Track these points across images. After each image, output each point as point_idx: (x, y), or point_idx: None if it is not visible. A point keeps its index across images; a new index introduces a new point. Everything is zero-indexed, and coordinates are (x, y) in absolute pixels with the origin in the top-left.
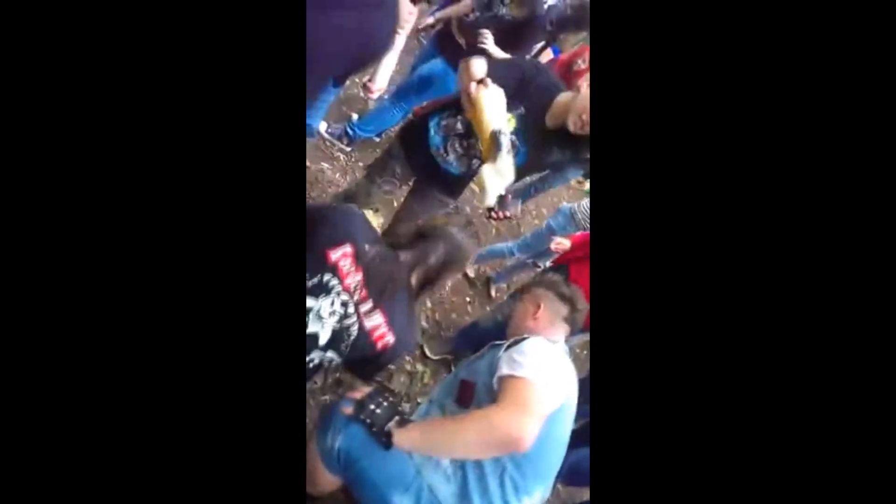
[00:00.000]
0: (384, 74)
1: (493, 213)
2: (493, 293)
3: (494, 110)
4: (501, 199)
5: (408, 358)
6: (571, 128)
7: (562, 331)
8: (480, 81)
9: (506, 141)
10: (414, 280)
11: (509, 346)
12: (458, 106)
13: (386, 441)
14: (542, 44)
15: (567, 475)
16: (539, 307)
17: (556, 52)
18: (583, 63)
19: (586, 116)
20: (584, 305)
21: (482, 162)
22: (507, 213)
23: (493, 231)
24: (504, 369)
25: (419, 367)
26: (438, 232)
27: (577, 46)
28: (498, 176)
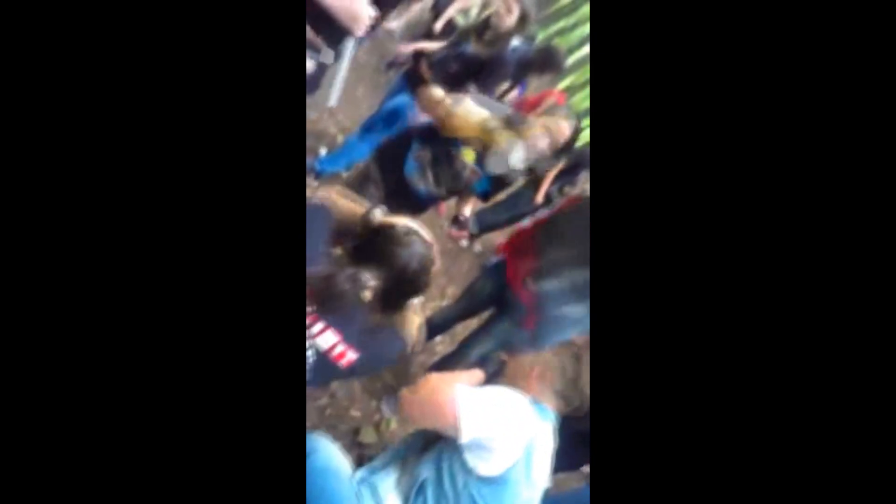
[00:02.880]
0: (337, 88)
1: (452, 229)
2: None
3: (470, 111)
4: (457, 219)
5: (373, 403)
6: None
7: (554, 402)
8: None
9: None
10: (369, 294)
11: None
12: (430, 136)
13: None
14: (508, 83)
15: None
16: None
17: (521, 90)
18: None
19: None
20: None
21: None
22: (464, 233)
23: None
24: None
25: (384, 412)
26: (396, 245)
27: (542, 90)
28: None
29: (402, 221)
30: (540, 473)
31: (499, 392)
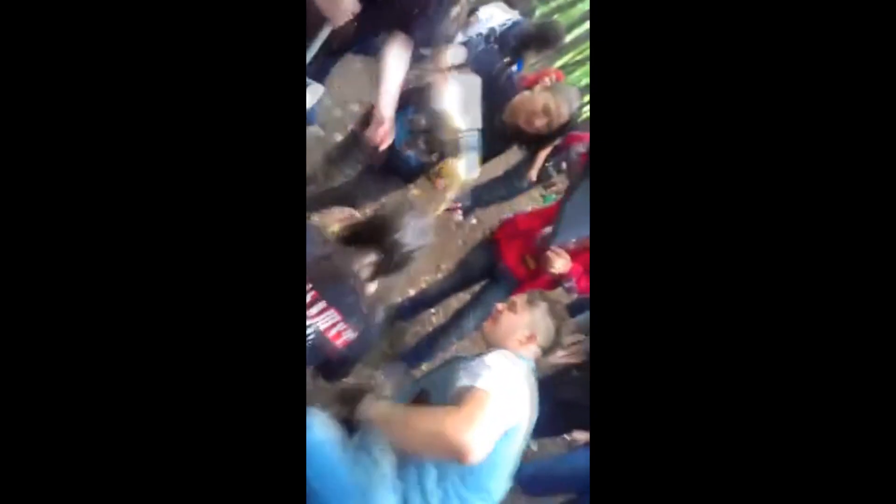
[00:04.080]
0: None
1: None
2: None
3: (462, 103)
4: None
5: (367, 373)
6: (524, 126)
7: (533, 352)
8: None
9: (470, 140)
10: (365, 273)
11: (473, 359)
12: (423, 101)
13: (352, 406)
14: (507, 59)
15: (528, 484)
16: (526, 310)
17: (519, 67)
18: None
19: (538, 118)
20: (567, 337)
21: (444, 156)
22: (459, 205)
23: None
24: (464, 379)
25: (379, 378)
26: (390, 224)
27: (539, 66)
28: (464, 169)
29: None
30: (514, 450)
31: (503, 357)
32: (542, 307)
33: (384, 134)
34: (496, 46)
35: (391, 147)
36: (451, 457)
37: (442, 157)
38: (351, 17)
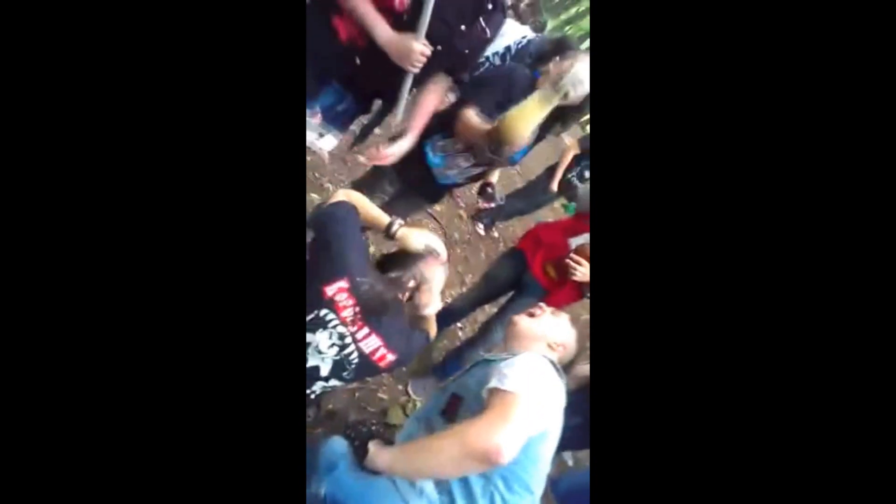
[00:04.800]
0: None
1: (480, 204)
2: None
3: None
4: (484, 189)
5: (399, 387)
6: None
7: (557, 353)
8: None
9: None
10: (404, 297)
11: (501, 361)
12: (445, 127)
13: (361, 454)
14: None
15: (562, 497)
16: (556, 317)
17: (536, 76)
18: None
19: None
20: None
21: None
22: (491, 204)
23: (482, 253)
24: (492, 382)
25: (411, 394)
26: (413, 253)
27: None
28: (531, 115)
29: (416, 235)
30: (551, 449)
31: (532, 359)
32: (567, 318)
33: (398, 150)
34: (512, 63)
35: (418, 173)
36: (483, 463)
37: (490, 165)
38: (424, 61)
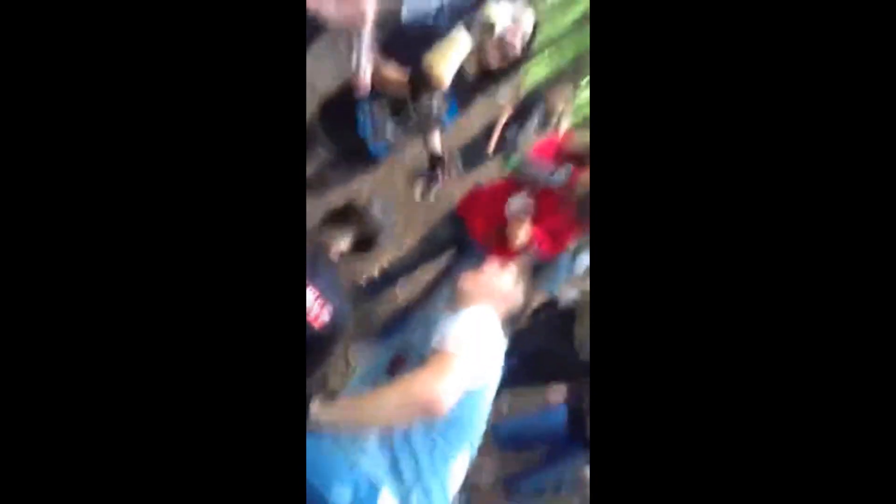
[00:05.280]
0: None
1: (435, 181)
2: None
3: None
4: (440, 161)
5: (338, 351)
6: (494, 63)
7: (504, 306)
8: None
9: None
10: (336, 257)
11: (444, 318)
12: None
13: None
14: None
15: (503, 442)
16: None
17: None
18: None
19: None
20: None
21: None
22: (451, 173)
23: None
24: (433, 341)
25: (350, 360)
26: (359, 211)
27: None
28: (451, 52)
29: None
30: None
31: (475, 315)
32: (514, 272)
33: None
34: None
35: (358, 138)
36: (422, 412)
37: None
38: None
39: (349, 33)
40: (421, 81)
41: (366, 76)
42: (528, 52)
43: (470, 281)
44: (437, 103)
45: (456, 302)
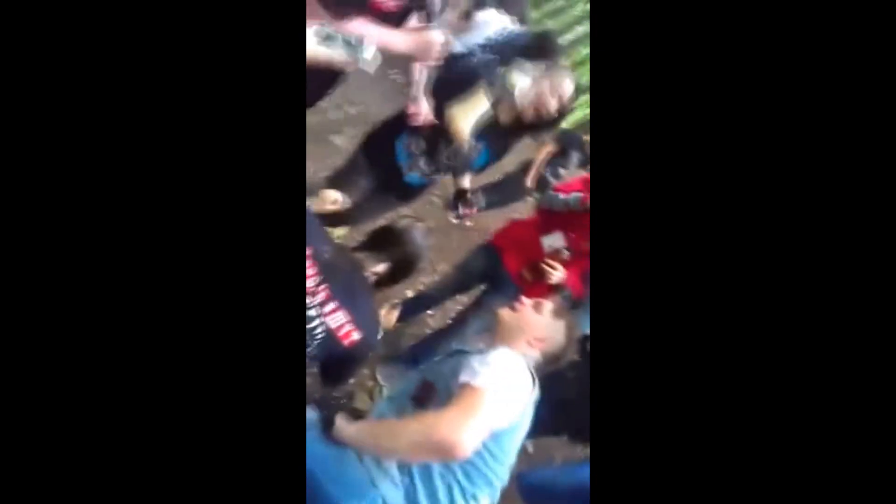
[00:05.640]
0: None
1: (459, 212)
2: None
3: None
4: (464, 196)
5: (366, 371)
6: (530, 119)
7: (539, 348)
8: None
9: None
10: (372, 278)
11: (476, 354)
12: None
13: (327, 427)
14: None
15: (527, 492)
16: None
17: None
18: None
19: (541, 101)
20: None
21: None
22: (473, 210)
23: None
24: (463, 376)
25: (378, 380)
26: (399, 235)
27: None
28: (470, 109)
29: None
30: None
31: (506, 356)
32: (558, 313)
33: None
34: (493, 56)
35: (391, 168)
36: (441, 454)
37: (453, 171)
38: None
39: (412, 64)
40: (445, 131)
41: (423, 106)
42: (564, 112)
43: (507, 316)
44: (465, 151)
45: (492, 336)
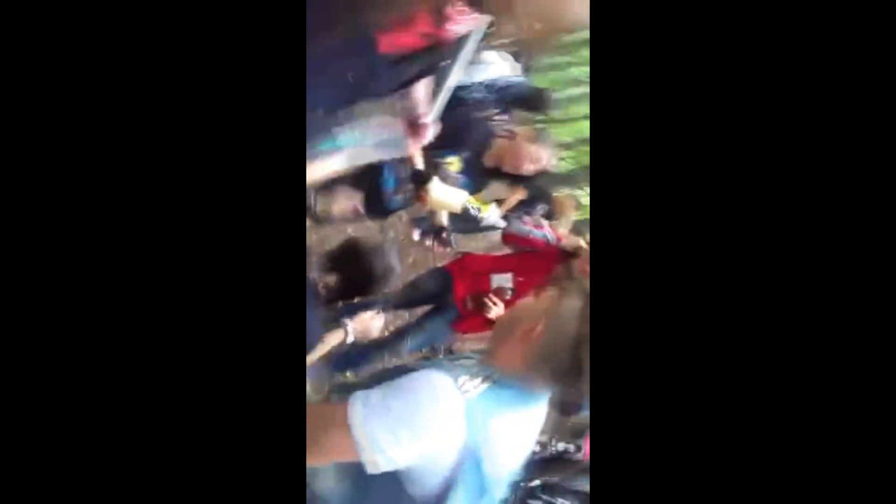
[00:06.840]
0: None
1: (431, 244)
2: None
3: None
4: (440, 233)
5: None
6: (509, 170)
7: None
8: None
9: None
10: (324, 292)
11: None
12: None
13: None
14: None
15: None
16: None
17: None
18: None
19: (519, 162)
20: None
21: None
22: (444, 249)
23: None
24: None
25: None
26: (370, 248)
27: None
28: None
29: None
30: None
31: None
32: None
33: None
34: (492, 97)
35: (379, 190)
36: None
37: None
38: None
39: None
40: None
41: (432, 126)
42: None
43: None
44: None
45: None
